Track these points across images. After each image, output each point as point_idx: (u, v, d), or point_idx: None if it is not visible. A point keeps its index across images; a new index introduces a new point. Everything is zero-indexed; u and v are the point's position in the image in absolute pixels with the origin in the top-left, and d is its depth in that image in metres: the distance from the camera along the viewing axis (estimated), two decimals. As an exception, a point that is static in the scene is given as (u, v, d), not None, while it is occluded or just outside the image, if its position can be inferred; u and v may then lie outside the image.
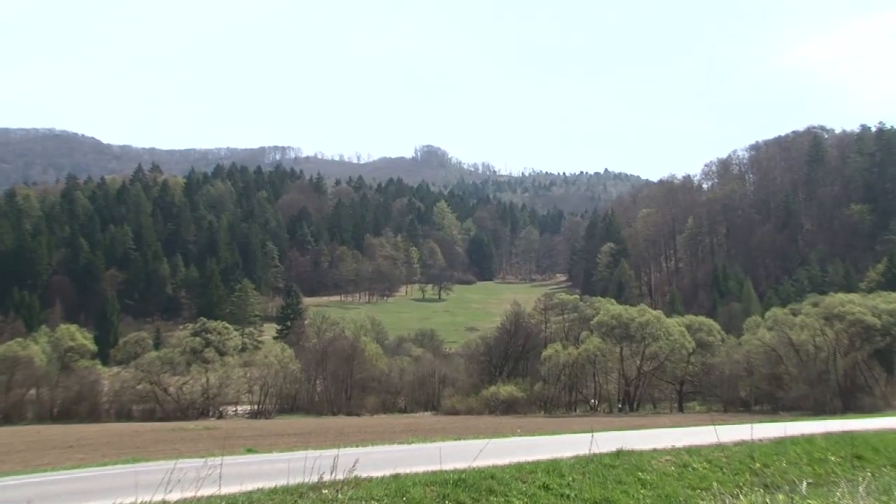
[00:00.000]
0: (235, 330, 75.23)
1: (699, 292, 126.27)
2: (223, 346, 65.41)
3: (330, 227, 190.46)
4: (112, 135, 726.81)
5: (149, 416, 58.31)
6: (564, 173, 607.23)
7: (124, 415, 59.75)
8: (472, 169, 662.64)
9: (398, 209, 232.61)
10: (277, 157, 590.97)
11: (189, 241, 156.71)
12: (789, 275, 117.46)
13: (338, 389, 66.37)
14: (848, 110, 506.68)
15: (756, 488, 12.26)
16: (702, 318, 68.13)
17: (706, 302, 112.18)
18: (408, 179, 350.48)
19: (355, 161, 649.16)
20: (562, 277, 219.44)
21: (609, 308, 66.54)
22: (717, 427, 19.27)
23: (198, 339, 65.50)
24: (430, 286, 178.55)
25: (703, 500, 12.46)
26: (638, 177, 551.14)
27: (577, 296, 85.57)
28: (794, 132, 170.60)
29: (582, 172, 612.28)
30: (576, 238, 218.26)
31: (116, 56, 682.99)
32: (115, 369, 66.32)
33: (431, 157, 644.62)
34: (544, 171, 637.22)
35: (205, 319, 71.62)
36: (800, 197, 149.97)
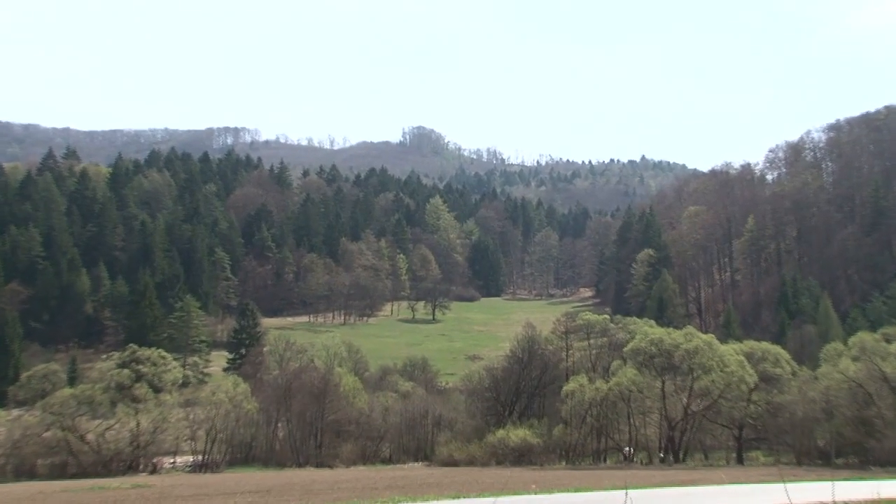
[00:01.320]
0: (175, 360, 74.87)
1: (762, 312, 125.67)
2: (159, 381, 65.01)
3: (296, 230, 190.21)
4: (13, 111, 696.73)
5: (59, 473, 56.83)
6: (590, 161, 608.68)
7: (25, 471, 57.88)
8: (475, 157, 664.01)
9: (382, 207, 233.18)
10: (229, 140, 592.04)
11: (115, 246, 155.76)
12: (880, 290, 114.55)
13: (305, 435, 66.26)
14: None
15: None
16: (766, 345, 67.80)
17: (771, 324, 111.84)
18: (394, 169, 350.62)
19: (328, 147, 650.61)
20: (587, 292, 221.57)
21: (647, 331, 66.75)
22: (788, 485, 19.29)
23: (126, 371, 64.97)
24: (421, 304, 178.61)
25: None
26: (683, 166, 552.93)
27: (606, 315, 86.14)
28: (886, 107, 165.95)
29: (613, 161, 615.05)
30: (605, 243, 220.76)
31: (17, 12, 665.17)
32: (15, 412, 65.26)
33: (423, 141, 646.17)
34: (565, 160, 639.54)
35: (135, 347, 71.25)
36: (894, 191, 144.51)
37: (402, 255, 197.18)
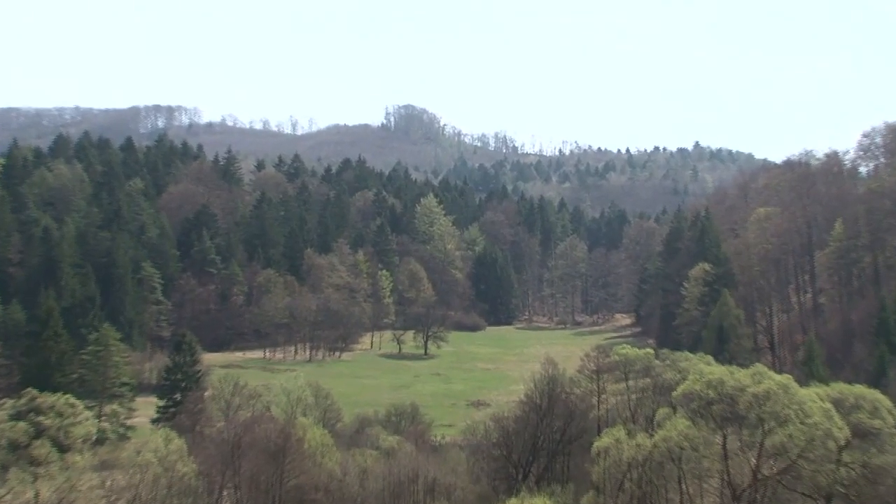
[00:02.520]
0: (88, 409, 75.61)
1: (854, 345, 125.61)
2: (65, 437, 65.31)
3: (248, 239, 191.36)
4: None
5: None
6: (628, 150, 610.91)
7: None
8: (479, 144, 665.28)
9: (359, 209, 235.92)
10: (160, 123, 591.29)
11: (10, 260, 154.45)
12: None
13: (259, 505, 67.80)
14: None
15: None
16: (860, 389, 67.39)
17: (867, 361, 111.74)
18: (375, 160, 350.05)
19: (289, 131, 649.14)
20: (625, 320, 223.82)
21: (703, 370, 66.56)
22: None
23: (22, 424, 64.63)
24: (410, 334, 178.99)
25: None
26: (749, 155, 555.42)
27: (649, 350, 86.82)
28: None
29: (657, 149, 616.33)
30: (647, 255, 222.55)
31: None
32: None
33: (413, 124, 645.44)
34: (595, 148, 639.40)
35: (35, 392, 70.91)
36: None
37: (385, 272, 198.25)
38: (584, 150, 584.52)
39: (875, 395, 66.14)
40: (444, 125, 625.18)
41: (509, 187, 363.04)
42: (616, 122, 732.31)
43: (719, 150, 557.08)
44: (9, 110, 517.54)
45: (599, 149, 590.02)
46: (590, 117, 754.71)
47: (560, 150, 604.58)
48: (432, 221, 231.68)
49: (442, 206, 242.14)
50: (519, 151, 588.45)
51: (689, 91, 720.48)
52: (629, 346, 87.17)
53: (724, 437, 61.14)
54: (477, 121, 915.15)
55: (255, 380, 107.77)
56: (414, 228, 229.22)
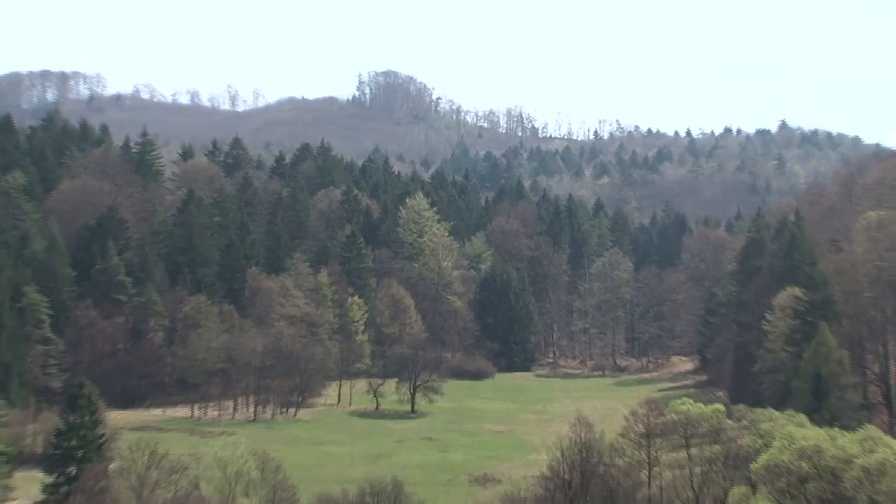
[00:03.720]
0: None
1: None
2: None
3: (170, 254, 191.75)
4: None
5: None
6: (688, 133, 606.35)
7: None
8: (486, 125, 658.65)
9: (322, 212, 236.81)
10: (49, 95, 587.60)
11: None
12: None
13: None
14: None
15: None
16: None
17: None
18: (344, 146, 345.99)
19: (226, 107, 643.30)
20: (684, 364, 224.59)
21: (794, 435, 67.18)
22: None
23: None
24: (392, 384, 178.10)
25: None
26: (856, 139, 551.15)
27: (719, 406, 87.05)
28: None
29: (729, 131, 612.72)
30: (715, 276, 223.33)
31: None
32: None
33: (395, 98, 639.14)
34: (643, 130, 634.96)
35: None
36: None
37: (357, 299, 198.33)
38: (629, 133, 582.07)
39: None
40: (438, 99, 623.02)
41: (527, 183, 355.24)
42: (672, 93, 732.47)
43: (814, 133, 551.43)
44: None
45: (650, 131, 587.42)
46: (636, 88, 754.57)
47: (596, 133, 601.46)
48: (422, 230, 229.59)
49: (435, 208, 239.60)
50: (540, 134, 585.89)
51: (772, 53, 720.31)
52: (691, 401, 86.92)
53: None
54: (482, 93, 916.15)
55: (179, 447, 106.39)
56: (397, 239, 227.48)
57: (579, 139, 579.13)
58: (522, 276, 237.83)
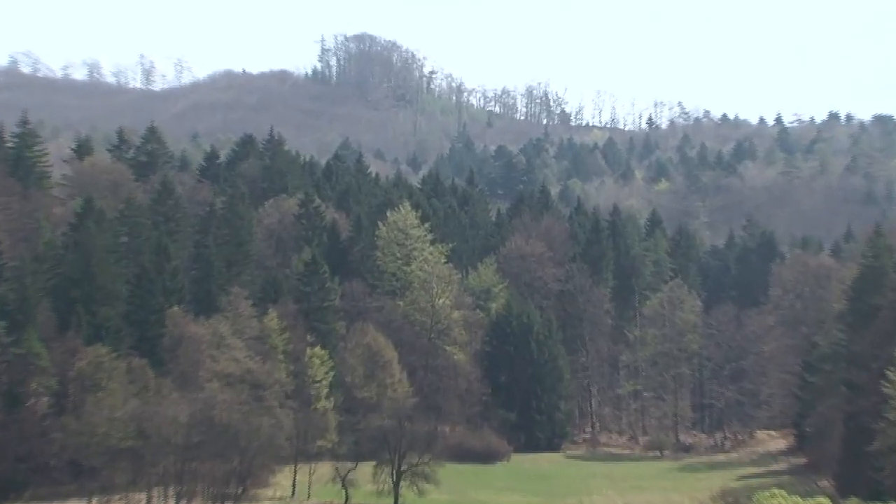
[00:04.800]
0: None
1: None
2: None
3: (58, 288, 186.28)
4: None
5: None
6: (778, 120, 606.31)
7: None
8: (497, 108, 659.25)
9: (271, 229, 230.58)
10: None
11: None
12: None
13: None
14: None
15: None
16: None
17: None
18: (302, 137, 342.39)
19: (138, 84, 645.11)
20: (774, 442, 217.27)
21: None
22: None
23: None
24: (368, 469, 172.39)
25: None
26: None
27: (823, 499, 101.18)
28: None
29: (835, 118, 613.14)
30: (816, 318, 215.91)
31: None
32: None
33: (371, 72, 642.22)
34: (716, 117, 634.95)
35: None
36: None
37: (319, 350, 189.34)
38: (697, 121, 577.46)
39: None
40: (432, 73, 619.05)
41: (554, 190, 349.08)
42: (755, 66, 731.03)
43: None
44: None
45: (725, 118, 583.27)
46: (705, 59, 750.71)
47: (650, 121, 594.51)
48: (409, 255, 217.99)
49: (428, 224, 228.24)
50: (572, 122, 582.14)
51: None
52: (784, 493, 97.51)
53: None
54: (493, 66, 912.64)
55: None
56: (374, 268, 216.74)
57: (627, 129, 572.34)
58: (549, 319, 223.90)
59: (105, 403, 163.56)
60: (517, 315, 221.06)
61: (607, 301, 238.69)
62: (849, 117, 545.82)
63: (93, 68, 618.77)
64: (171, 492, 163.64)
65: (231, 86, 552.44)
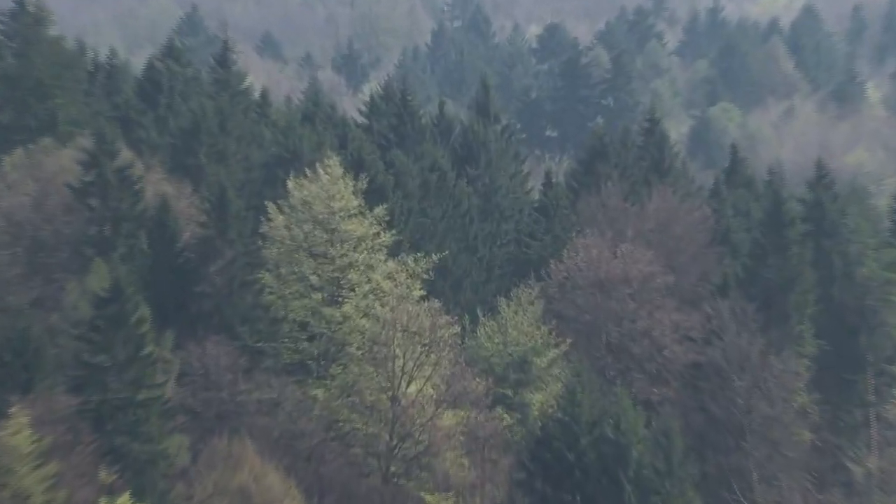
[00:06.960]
0: None
1: None
2: None
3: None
4: None
5: None
6: None
7: None
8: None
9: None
10: None
11: None
12: None
13: None
14: None
15: None
16: None
17: None
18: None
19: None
20: None
21: None
22: None
23: None
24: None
25: None
26: None
27: None
28: None
29: None
30: None
31: None
32: None
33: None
34: None
35: None
36: None
37: None
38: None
39: None
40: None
41: (673, 124, 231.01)
42: None
43: None
44: None
45: None
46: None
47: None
48: (341, 275, 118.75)
49: (384, 209, 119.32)
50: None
51: None
52: None
53: None
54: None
55: None
56: (254, 309, 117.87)
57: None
58: (668, 431, 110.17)
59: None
60: (588, 423, 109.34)
61: (802, 381, 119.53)
62: None
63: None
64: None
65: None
